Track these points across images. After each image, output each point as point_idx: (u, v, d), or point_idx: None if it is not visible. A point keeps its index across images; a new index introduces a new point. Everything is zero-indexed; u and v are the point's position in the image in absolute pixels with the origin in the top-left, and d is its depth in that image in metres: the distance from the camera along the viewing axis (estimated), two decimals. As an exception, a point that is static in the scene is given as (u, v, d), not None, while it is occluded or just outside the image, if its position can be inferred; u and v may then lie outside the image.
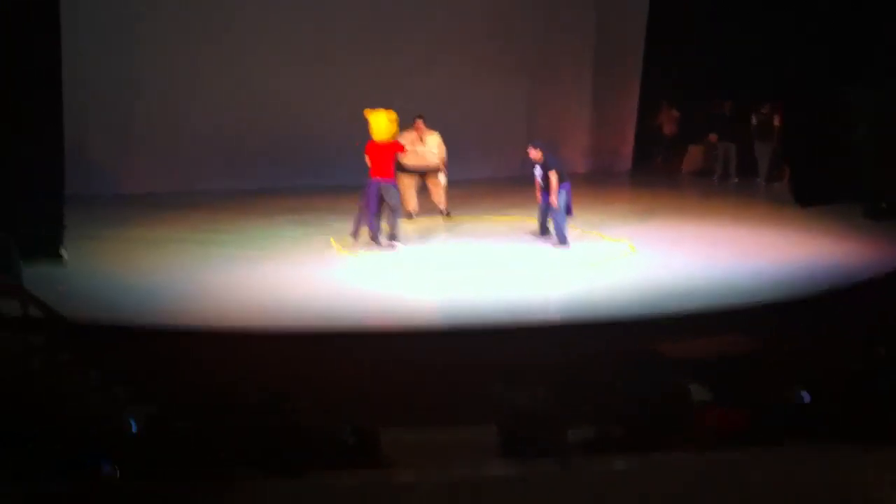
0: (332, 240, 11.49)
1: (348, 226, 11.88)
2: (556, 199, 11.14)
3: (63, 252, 10.30)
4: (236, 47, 14.36)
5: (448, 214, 13.07)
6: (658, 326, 8.53)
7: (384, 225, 11.35)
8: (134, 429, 5.71)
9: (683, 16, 16.50)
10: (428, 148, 12.53)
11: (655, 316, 8.71)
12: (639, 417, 6.04)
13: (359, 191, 11.47)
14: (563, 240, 11.32)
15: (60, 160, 10.31)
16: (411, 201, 12.66)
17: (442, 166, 12.70)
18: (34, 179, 10.04)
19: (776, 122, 15.84)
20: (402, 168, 12.24)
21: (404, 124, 12.12)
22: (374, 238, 11.25)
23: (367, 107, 11.29)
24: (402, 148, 11.54)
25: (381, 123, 11.04)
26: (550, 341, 8.32)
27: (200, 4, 14.10)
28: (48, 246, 10.21)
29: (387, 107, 11.25)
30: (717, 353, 7.51)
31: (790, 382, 6.33)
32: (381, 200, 11.14)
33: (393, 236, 11.29)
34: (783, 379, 6.57)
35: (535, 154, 11.33)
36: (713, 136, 17.02)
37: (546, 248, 11.34)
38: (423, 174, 12.76)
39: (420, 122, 12.47)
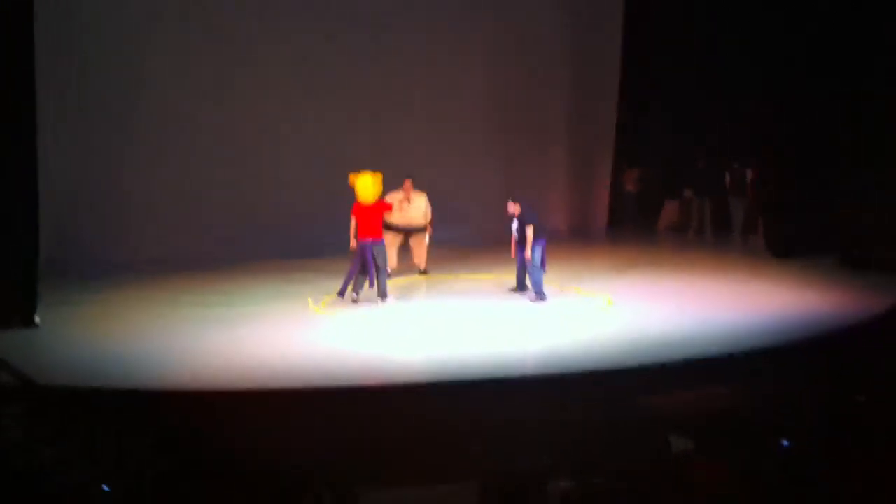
0: (309, 300, 11.46)
1: (329, 286, 11.92)
2: (530, 252, 11.21)
3: (36, 318, 10.21)
4: (227, 119, 14.47)
5: (426, 273, 13.13)
6: (637, 379, 8.50)
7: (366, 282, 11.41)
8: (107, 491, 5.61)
9: (654, 76, 16.88)
10: (415, 208, 12.65)
11: (634, 369, 8.68)
12: (620, 470, 6.01)
13: (336, 254, 11.50)
14: (540, 295, 11.34)
15: (35, 226, 10.25)
16: (392, 259, 12.71)
17: (428, 227, 12.81)
18: (6, 245, 9.97)
19: (749, 176, 16.08)
20: (387, 226, 12.34)
21: (393, 184, 12.32)
22: (355, 298, 11.30)
23: (350, 173, 11.40)
24: (389, 207, 11.65)
25: (366, 186, 11.17)
26: (529, 396, 8.26)
27: (190, 77, 14.20)
28: (21, 312, 10.11)
29: (370, 168, 11.37)
30: (696, 404, 7.51)
31: (771, 432, 6.32)
32: (372, 259, 11.21)
33: (383, 293, 11.33)
34: (764, 429, 6.57)
35: (513, 208, 11.42)
36: (688, 192, 17.25)
37: (524, 304, 11.35)
38: (408, 233, 12.87)
39: (409, 183, 12.65)
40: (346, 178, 11.39)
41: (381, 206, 11.37)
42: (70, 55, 13.37)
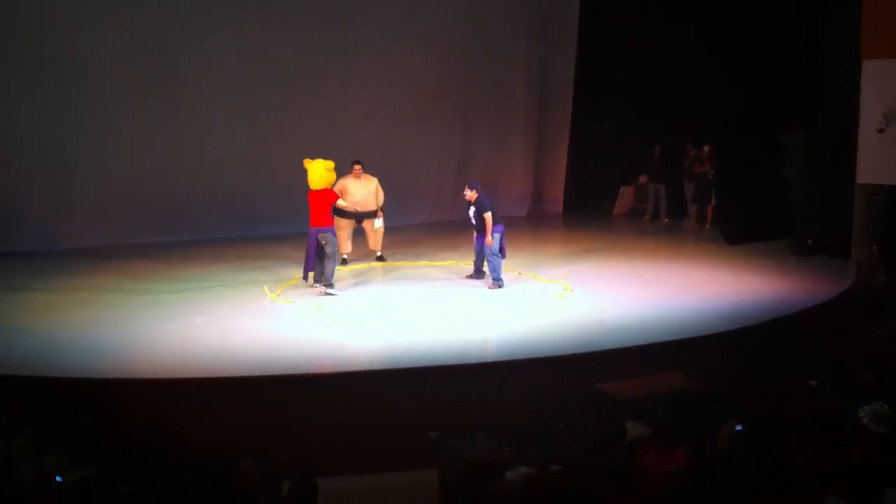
0: (265, 288, 11.38)
1: (285, 273, 11.85)
2: (490, 238, 11.23)
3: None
4: (174, 101, 14.19)
5: (382, 259, 13.08)
6: (593, 365, 8.57)
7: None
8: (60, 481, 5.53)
9: (610, 62, 16.97)
10: (365, 193, 12.57)
11: (591, 354, 8.74)
12: (577, 457, 6.05)
13: (295, 239, 11.43)
14: (498, 281, 11.37)
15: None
16: (346, 245, 12.64)
17: (379, 212, 12.74)
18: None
19: (704, 163, 16.21)
20: (338, 212, 12.26)
21: (342, 170, 12.22)
22: (316, 282, 11.27)
23: (305, 157, 11.32)
24: (336, 197, 11.54)
25: (317, 173, 11.08)
26: (487, 383, 8.29)
27: (136, 60, 13.93)
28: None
29: (324, 156, 11.28)
30: (651, 390, 7.58)
31: (725, 417, 6.40)
32: (320, 247, 11.15)
33: (328, 281, 11.26)
34: (718, 413, 6.65)
35: (469, 195, 11.42)
36: (643, 178, 17.35)
37: (482, 290, 11.37)
38: (360, 219, 12.79)
39: (358, 168, 12.53)
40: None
41: (330, 195, 11.27)
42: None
